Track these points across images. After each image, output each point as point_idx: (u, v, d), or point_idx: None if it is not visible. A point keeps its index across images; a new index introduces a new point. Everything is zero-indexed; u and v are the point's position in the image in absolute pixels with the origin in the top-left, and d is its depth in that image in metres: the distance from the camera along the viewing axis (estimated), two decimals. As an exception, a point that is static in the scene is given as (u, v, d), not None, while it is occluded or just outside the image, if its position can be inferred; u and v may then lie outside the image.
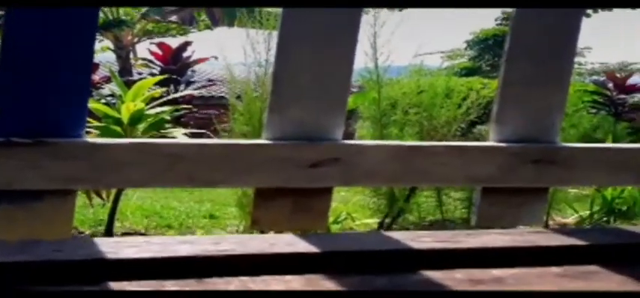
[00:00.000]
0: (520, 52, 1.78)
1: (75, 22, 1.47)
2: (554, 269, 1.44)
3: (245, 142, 1.64)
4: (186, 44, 15.77)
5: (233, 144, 1.62)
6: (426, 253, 1.45)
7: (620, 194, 6.22)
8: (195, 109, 9.86)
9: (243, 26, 6.95)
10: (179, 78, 14.23)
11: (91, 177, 1.53)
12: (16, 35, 1.42)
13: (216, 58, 14.28)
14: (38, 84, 1.45)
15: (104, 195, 5.30)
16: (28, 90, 1.45)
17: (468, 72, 18.27)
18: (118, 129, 5.02)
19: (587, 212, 6.35)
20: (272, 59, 1.63)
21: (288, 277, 1.31)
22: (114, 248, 1.36)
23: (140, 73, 15.42)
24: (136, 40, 18.88)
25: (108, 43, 18.16)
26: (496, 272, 1.40)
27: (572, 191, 6.22)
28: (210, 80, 15.85)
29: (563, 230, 1.72)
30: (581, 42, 1.85)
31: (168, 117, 5.57)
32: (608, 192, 6.17)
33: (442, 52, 21.54)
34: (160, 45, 15.76)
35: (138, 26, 18.50)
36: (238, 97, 5.82)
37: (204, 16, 18.98)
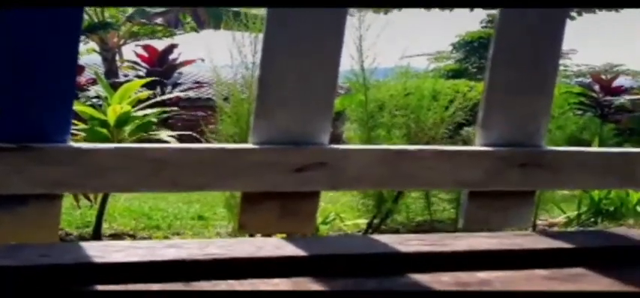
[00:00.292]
0: (504, 57, 1.78)
1: (58, 25, 1.46)
2: (541, 272, 1.44)
3: (231, 146, 1.64)
4: (173, 46, 15.76)
5: (219, 149, 1.62)
6: (413, 256, 1.45)
7: (607, 195, 6.26)
8: (182, 111, 9.84)
9: (229, 29, 6.95)
10: (165, 80, 14.19)
11: (76, 181, 1.52)
12: (-1, 40, 1.41)
13: (202, 60, 14.26)
14: (22, 89, 1.44)
15: (91, 197, 5.29)
16: (12, 95, 1.44)
17: (455, 74, 18.30)
18: (105, 131, 5.00)
19: (575, 212, 6.39)
20: (258, 61, 1.63)
21: (276, 280, 1.31)
22: (101, 252, 1.35)
23: (126, 75, 15.37)
24: (121, 42, 18.82)
25: (93, 45, 18.09)
26: (483, 274, 1.40)
27: (560, 192, 6.25)
28: (196, 82, 15.83)
29: (549, 232, 1.73)
30: (567, 44, 1.86)
31: (154, 120, 5.56)
32: (596, 193, 6.21)
33: (428, 55, 21.58)
34: (146, 47, 15.73)
35: (123, 28, 18.44)
36: (225, 99, 5.81)
37: (189, 19, 18.94)
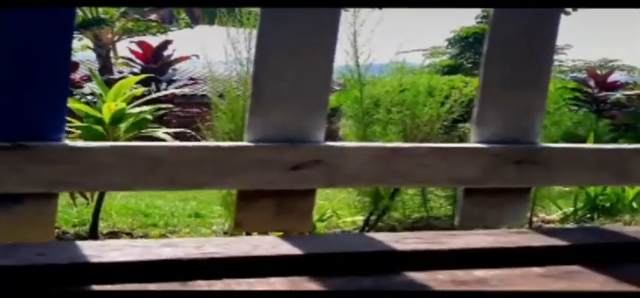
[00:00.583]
0: (499, 54, 1.79)
1: (52, 23, 1.45)
2: (537, 270, 1.44)
3: (226, 145, 1.64)
4: (167, 43, 15.74)
5: (214, 147, 1.62)
6: (409, 254, 1.45)
7: (603, 191, 6.27)
8: (177, 108, 9.83)
9: (224, 25, 6.94)
10: (160, 77, 14.17)
11: (72, 180, 1.52)
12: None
13: (197, 56, 14.26)
14: (17, 87, 1.44)
15: (88, 195, 5.28)
16: (7, 93, 1.44)
17: (450, 69, 18.29)
18: (100, 128, 5.00)
19: (571, 209, 6.39)
20: (253, 57, 1.63)
21: (272, 279, 1.31)
22: (97, 251, 1.35)
23: (121, 72, 15.35)
24: (116, 38, 18.79)
25: (88, 41, 18.05)
26: (479, 272, 1.41)
27: (556, 188, 6.26)
28: (191, 78, 15.82)
29: (545, 230, 1.73)
30: (562, 39, 1.86)
31: (150, 117, 5.55)
32: (591, 189, 6.22)
33: (423, 50, 21.57)
34: (141, 43, 15.71)
35: (118, 25, 18.40)
36: (221, 96, 5.80)
37: (184, 15, 18.92)
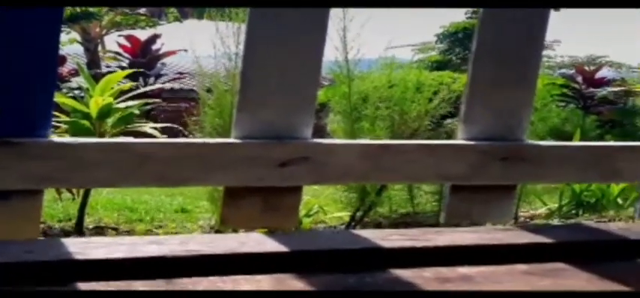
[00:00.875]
0: (487, 52, 1.79)
1: (39, 18, 1.45)
2: (522, 267, 1.45)
3: (214, 141, 1.64)
4: (156, 37, 15.69)
5: (202, 143, 1.62)
6: (395, 251, 1.46)
7: (588, 187, 6.28)
8: (164, 103, 9.81)
9: (213, 19, 6.92)
10: (148, 71, 14.13)
11: (58, 176, 1.52)
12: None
13: (185, 50, 14.21)
14: (2, 83, 1.43)
15: (74, 190, 5.25)
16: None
17: (439, 65, 18.34)
18: (87, 123, 4.97)
19: (556, 204, 6.41)
20: (241, 52, 1.63)
21: (258, 277, 1.31)
22: (83, 248, 1.35)
23: (108, 66, 15.29)
24: (104, 32, 18.71)
25: (76, 35, 17.97)
26: (464, 270, 1.42)
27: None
28: (180, 73, 15.77)
29: (530, 227, 1.75)
30: (551, 35, 1.87)
31: (137, 111, 5.53)
32: (577, 186, 6.24)
33: (413, 46, 21.61)
34: (129, 37, 15.66)
35: (106, 18, 18.33)
36: (209, 90, 5.78)
37: (173, 9, 18.86)
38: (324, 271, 1.36)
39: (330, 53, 5.73)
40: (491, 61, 1.81)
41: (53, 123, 1.55)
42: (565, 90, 13.28)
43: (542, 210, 6.40)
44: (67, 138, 1.56)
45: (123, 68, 12.79)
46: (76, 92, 9.05)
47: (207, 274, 1.29)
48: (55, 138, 1.51)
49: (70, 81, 11.58)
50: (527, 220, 6.08)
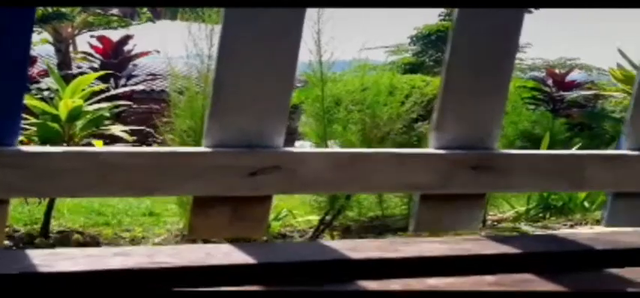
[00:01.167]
0: (460, 60, 1.79)
1: (7, 24, 1.43)
2: (489, 278, 1.46)
3: (183, 150, 1.62)
4: (128, 38, 15.57)
5: (171, 152, 1.60)
6: (362, 263, 1.45)
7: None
8: (135, 105, 9.74)
9: (186, 20, 6.88)
10: (119, 73, 14.03)
11: (25, 186, 1.49)
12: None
13: (158, 51, 14.13)
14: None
15: (41, 193, 5.19)
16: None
17: (412, 67, 18.41)
18: (56, 126, 4.93)
19: (524, 208, 6.46)
20: (214, 53, 1.61)
21: (225, 289, 1.30)
22: (48, 261, 1.33)
23: (80, 67, 15.15)
24: (76, 32, 18.53)
25: (47, 35, 17.79)
26: (432, 281, 1.42)
27: (511, 188, 6.29)
28: (151, 74, 15.67)
29: (498, 238, 1.75)
30: (523, 38, 1.87)
31: (107, 114, 5.49)
32: (545, 189, 6.29)
33: (386, 47, 21.68)
34: (101, 38, 15.53)
35: (78, 19, 18.16)
36: (180, 92, 5.75)
37: (146, 9, 18.73)
38: (292, 283, 1.35)
39: (304, 55, 5.73)
40: (464, 69, 1.80)
41: (21, 125, 1.52)
42: (535, 93, 13.40)
43: (510, 213, 6.44)
44: (34, 147, 1.53)
45: (94, 69, 12.70)
46: (46, 93, 8.95)
47: (173, 286, 1.28)
48: (22, 148, 1.49)
49: (39, 82, 11.45)
50: (495, 223, 6.12)
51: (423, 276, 1.42)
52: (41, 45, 17.64)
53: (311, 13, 5.58)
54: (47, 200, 5.15)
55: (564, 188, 2.30)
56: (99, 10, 17.90)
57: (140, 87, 13.35)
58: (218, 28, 1.65)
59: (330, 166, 1.70)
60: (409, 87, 6.71)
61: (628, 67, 9.43)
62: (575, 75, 18.00)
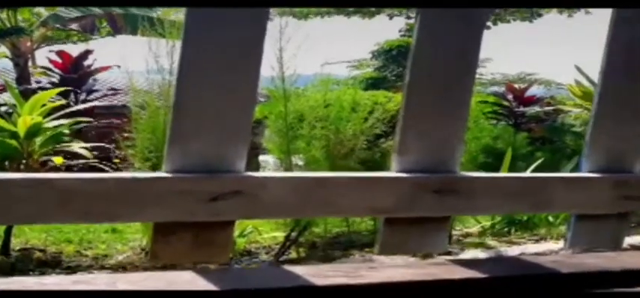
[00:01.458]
0: (420, 84, 1.79)
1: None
2: (456, 304, 1.45)
3: (143, 175, 1.59)
4: (87, 52, 15.38)
5: (130, 179, 1.57)
6: (328, 289, 1.44)
7: (519, 206, 6.38)
8: (95, 121, 9.62)
9: (146, 35, 6.84)
10: (79, 87, 13.86)
11: (-20, 213, 1.45)
12: None
13: (118, 66, 13.99)
14: None
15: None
16: None
17: (374, 82, 18.52)
18: (14, 143, 4.85)
19: (489, 222, 6.50)
20: (174, 68, 1.59)
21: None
22: (5, 287, 1.29)
23: (39, 82, 14.94)
24: (35, 46, 18.31)
25: (5, 50, 17.54)
26: (398, 307, 1.41)
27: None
28: (112, 89, 15.51)
29: (463, 261, 1.75)
30: (482, 53, 1.88)
31: (67, 131, 5.41)
32: (509, 204, 6.32)
33: (348, 62, 21.78)
34: (60, 53, 15.32)
35: (37, 33, 17.95)
36: (142, 107, 5.69)
37: (105, 24, 18.58)
38: (256, 311, 1.33)
39: (266, 70, 5.71)
40: (424, 90, 1.80)
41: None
42: (496, 107, 13.52)
43: (475, 229, 6.48)
44: (-11, 173, 1.49)
45: (54, 84, 12.54)
46: (3, 109, 8.81)
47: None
48: (-23, 173, 1.45)
49: (-4, 98, 11.28)
50: (461, 238, 6.15)
51: (388, 303, 1.41)
52: (-1, 59, 17.41)
53: (272, 30, 5.57)
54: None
55: (527, 210, 2.30)
56: (58, 25, 17.71)
57: (101, 102, 13.21)
58: (178, 43, 1.62)
59: (292, 191, 1.69)
60: (372, 103, 6.73)
61: (586, 83, 9.55)
62: (534, 90, 18.19)
